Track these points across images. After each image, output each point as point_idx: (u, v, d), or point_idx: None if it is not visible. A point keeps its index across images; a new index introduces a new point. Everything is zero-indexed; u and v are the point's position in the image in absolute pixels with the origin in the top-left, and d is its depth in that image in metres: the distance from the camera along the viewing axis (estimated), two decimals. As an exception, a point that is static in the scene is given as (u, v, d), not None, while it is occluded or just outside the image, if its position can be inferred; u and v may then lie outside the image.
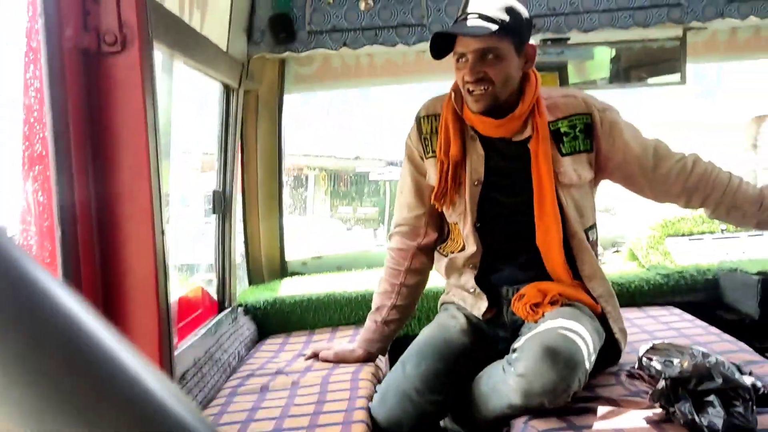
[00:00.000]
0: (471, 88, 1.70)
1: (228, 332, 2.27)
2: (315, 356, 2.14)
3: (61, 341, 0.25)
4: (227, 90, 2.32)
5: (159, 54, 1.76)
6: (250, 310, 2.56)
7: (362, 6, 2.44)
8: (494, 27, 1.63)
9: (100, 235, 1.16)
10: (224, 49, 2.20)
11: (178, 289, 2.09)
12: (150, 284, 1.21)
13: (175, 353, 1.79)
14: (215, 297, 2.36)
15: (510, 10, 1.68)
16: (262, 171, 2.93)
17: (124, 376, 0.26)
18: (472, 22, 1.64)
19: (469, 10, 1.66)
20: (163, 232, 1.22)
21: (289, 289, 2.73)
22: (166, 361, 1.24)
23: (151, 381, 0.27)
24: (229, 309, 2.37)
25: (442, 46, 1.70)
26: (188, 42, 1.83)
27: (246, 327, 2.44)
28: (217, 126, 2.33)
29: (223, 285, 2.35)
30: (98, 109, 1.18)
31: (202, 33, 1.96)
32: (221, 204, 2.32)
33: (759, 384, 1.62)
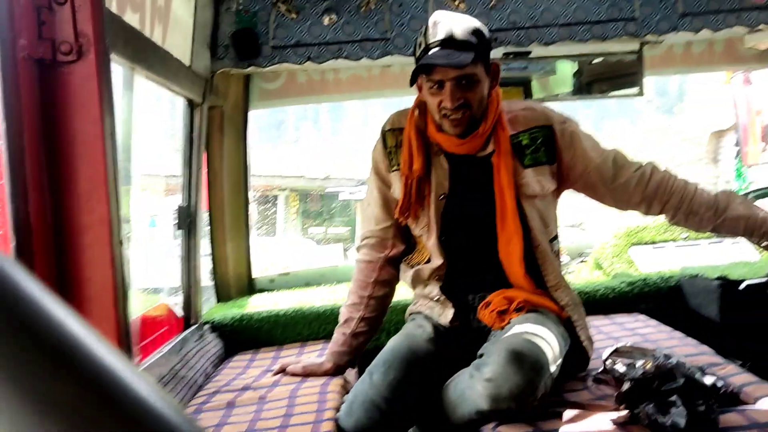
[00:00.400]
0: (449, 114, 1.72)
1: (194, 349, 2.23)
2: (283, 371, 2.12)
3: (51, 347, 0.25)
4: (191, 105, 2.30)
5: (119, 68, 1.75)
6: (218, 327, 2.52)
7: (326, 21, 2.47)
8: (471, 55, 1.66)
9: (56, 245, 1.14)
10: (187, 64, 2.19)
11: (142, 306, 2.05)
12: (108, 297, 1.19)
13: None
14: (181, 314, 2.32)
15: (478, 33, 1.71)
16: (228, 187, 2.92)
17: (114, 380, 0.26)
18: (446, 51, 1.66)
19: (440, 36, 1.67)
20: (121, 243, 1.20)
21: (256, 305, 2.71)
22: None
23: (142, 385, 0.27)
24: (196, 326, 2.33)
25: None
26: (149, 55, 1.82)
27: (213, 344, 2.40)
28: (181, 141, 2.31)
29: (188, 301, 2.32)
30: (54, 119, 1.16)
31: (163, 47, 1.96)
32: (187, 220, 2.29)
33: (720, 384, 1.65)
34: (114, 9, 1.62)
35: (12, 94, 1.10)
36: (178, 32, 2.13)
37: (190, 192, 2.30)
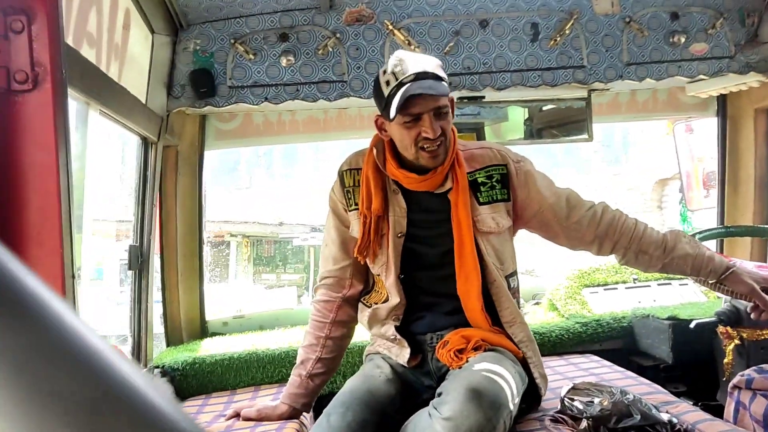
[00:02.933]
0: (427, 146, 1.73)
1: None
2: (237, 416, 2.04)
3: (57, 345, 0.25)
4: (146, 143, 2.27)
5: (73, 103, 1.72)
6: (168, 372, 2.43)
7: (284, 62, 2.49)
8: (445, 86, 1.70)
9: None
10: (143, 102, 2.17)
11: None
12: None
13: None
14: (129, 358, 2.23)
15: (442, 68, 1.75)
16: (182, 228, 2.86)
17: (121, 382, 0.26)
18: (424, 83, 1.68)
19: (411, 70, 1.69)
20: (73, 276, 1.15)
21: (209, 348, 2.63)
22: None
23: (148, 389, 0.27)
24: (145, 370, 2.24)
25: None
26: (105, 91, 1.79)
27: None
28: (134, 179, 2.27)
29: (138, 345, 2.24)
30: (6, 148, 1.12)
31: (119, 83, 1.93)
32: (138, 260, 2.23)
33: (675, 420, 1.67)
34: (70, 42, 1.60)
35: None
36: (134, 69, 2.12)
37: (143, 232, 2.24)
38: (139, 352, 2.24)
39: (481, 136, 3.20)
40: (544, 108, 3.12)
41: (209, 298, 3.11)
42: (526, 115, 3.18)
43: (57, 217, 1.12)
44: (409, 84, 1.68)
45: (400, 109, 1.68)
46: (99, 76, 1.75)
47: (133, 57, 2.10)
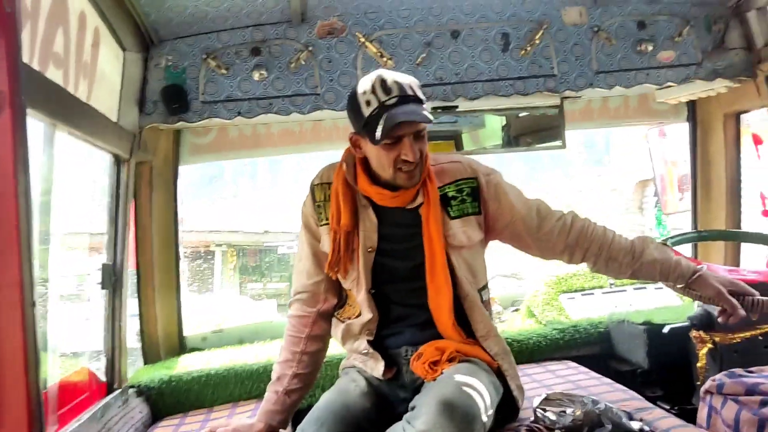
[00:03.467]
0: (406, 168, 1.73)
1: (117, 416, 2.12)
2: (212, 434, 2.03)
3: None
4: (118, 161, 2.26)
5: (39, 124, 1.71)
6: (144, 391, 2.41)
7: (256, 76, 2.49)
8: (426, 109, 1.71)
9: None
10: (114, 120, 2.16)
11: (59, 371, 1.94)
12: (18, 363, 1.12)
13: (54, 441, 1.66)
14: (104, 379, 2.21)
15: (419, 88, 1.75)
16: (158, 244, 2.85)
17: None
18: (408, 107, 1.67)
19: (394, 92, 1.68)
20: (33, 304, 1.14)
21: (186, 365, 2.61)
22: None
23: None
24: (119, 391, 2.22)
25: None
26: (72, 112, 1.78)
27: (138, 409, 2.29)
28: (107, 197, 2.25)
29: (112, 365, 2.22)
30: (-38, 176, 1.11)
31: (88, 103, 1.92)
32: (111, 278, 2.21)
33: (646, 428, 1.69)
34: (35, 65, 1.59)
35: None
36: (104, 88, 2.11)
37: (116, 249, 2.23)
38: (113, 371, 2.22)
39: (458, 144, 3.22)
40: (521, 114, 3.14)
41: (193, 310, 3.10)
42: (504, 122, 3.20)
43: (16, 245, 1.11)
44: (393, 108, 1.67)
45: (386, 133, 1.68)
46: (65, 97, 1.74)
47: (104, 75, 2.09)
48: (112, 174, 2.26)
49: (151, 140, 2.71)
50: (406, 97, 1.69)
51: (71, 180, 2.20)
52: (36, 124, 1.68)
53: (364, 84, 1.72)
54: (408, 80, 1.73)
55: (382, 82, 1.70)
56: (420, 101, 1.71)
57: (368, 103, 1.70)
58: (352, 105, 1.75)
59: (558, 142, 3.05)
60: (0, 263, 1.10)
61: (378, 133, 1.67)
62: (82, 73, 1.90)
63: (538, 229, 1.91)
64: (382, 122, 1.66)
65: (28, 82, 1.45)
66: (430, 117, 1.70)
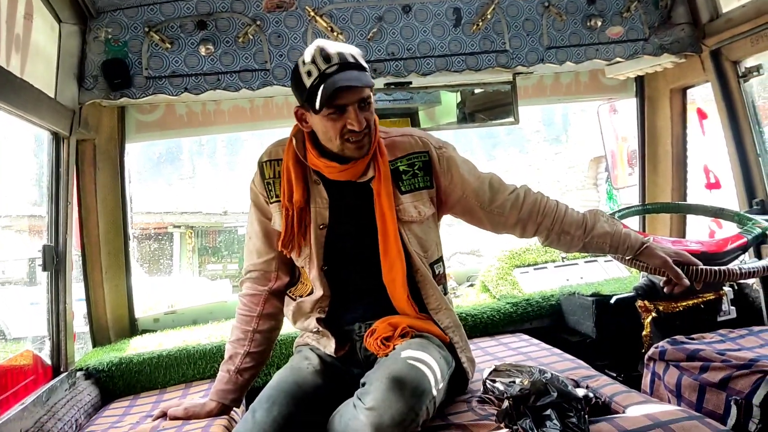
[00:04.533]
0: (353, 138, 1.71)
1: (64, 399, 2.07)
2: (164, 415, 2.00)
3: None
4: (57, 138, 2.17)
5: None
6: (92, 374, 2.36)
7: (203, 51, 2.42)
8: (369, 76, 1.68)
9: None
10: (51, 95, 2.08)
11: (3, 355, 1.88)
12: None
13: (-6, 427, 1.61)
14: (49, 362, 2.15)
15: (361, 57, 1.72)
16: (104, 225, 2.77)
17: None
18: (348, 74, 1.65)
19: (334, 60, 1.66)
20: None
21: (137, 347, 2.56)
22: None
23: None
24: (66, 374, 2.17)
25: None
26: (3, 87, 1.70)
27: (87, 392, 2.24)
28: (45, 177, 2.17)
29: (57, 348, 2.15)
30: None
31: (22, 77, 1.84)
32: (53, 260, 2.14)
33: (591, 395, 1.73)
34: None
35: None
36: (40, 62, 2.02)
37: (57, 230, 2.16)
38: (59, 355, 2.16)
39: (415, 122, 3.21)
40: (476, 91, 3.15)
41: (150, 293, 3.04)
42: (459, 99, 3.20)
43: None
44: (333, 76, 1.64)
45: (326, 102, 1.66)
46: (-4, 71, 1.66)
47: (38, 49, 2.00)
48: (51, 152, 2.17)
49: (93, 117, 2.62)
50: (347, 65, 1.66)
51: (8, 159, 2.12)
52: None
53: (305, 55, 1.70)
54: (350, 49, 1.71)
55: (322, 50, 1.67)
56: (362, 68, 1.69)
57: (309, 73, 1.68)
58: (295, 78, 1.73)
59: (511, 118, 3.08)
60: None
61: (318, 102, 1.64)
62: (14, 46, 1.82)
63: (490, 202, 1.92)
64: (321, 90, 1.64)
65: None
66: (371, 81, 1.68)
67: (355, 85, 1.65)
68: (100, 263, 2.77)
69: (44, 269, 2.13)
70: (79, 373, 2.30)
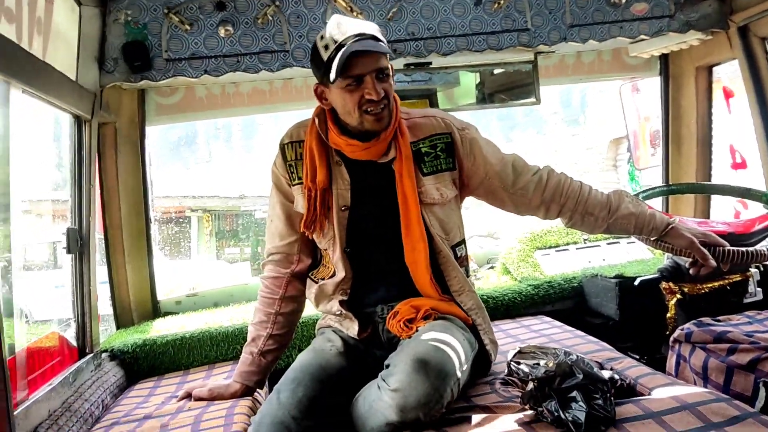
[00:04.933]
0: (371, 108, 1.69)
1: (90, 380, 2.10)
2: (189, 396, 2.03)
3: None
4: (79, 121, 2.18)
5: (-7, 82, 1.64)
6: (117, 355, 2.39)
7: (222, 32, 2.40)
8: (386, 46, 1.67)
9: None
10: (73, 78, 2.08)
11: (28, 338, 1.90)
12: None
13: (24, 406, 1.63)
14: (74, 344, 2.18)
15: (380, 32, 1.71)
16: (126, 208, 2.79)
17: None
18: (364, 42, 1.64)
19: (351, 32, 1.65)
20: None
21: (161, 329, 2.59)
22: (2, 419, 1.11)
23: None
24: (91, 355, 2.19)
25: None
26: (27, 69, 1.70)
27: (112, 373, 2.27)
28: (68, 160, 2.18)
29: (83, 330, 2.18)
30: None
31: (44, 60, 1.84)
32: (77, 243, 2.16)
33: (616, 377, 1.71)
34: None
35: None
36: (61, 45, 2.02)
37: (81, 213, 2.17)
38: (84, 337, 2.19)
39: (433, 103, 3.18)
40: (495, 72, 3.11)
41: (170, 275, 3.07)
42: (478, 80, 3.16)
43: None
44: (348, 45, 1.64)
45: (341, 71, 1.64)
46: (19, 53, 1.66)
47: (59, 31, 2.00)
48: (73, 135, 2.18)
49: (114, 101, 2.62)
50: (363, 35, 1.66)
51: (31, 143, 2.12)
52: (-11, 83, 1.61)
53: (323, 31, 1.70)
54: (367, 23, 1.70)
55: (339, 24, 1.67)
56: (379, 39, 1.68)
57: (326, 47, 1.68)
58: (313, 54, 1.73)
59: (532, 99, 3.04)
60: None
61: (333, 71, 1.63)
62: (36, 29, 1.82)
63: (513, 184, 1.90)
64: (337, 58, 1.63)
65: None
66: (387, 49, 1.67)
67: (369, 50, 1.64)
68: (123, 246, 2.79)
69: (68, 252, 2.15)
70: (104, 355, 2.33)
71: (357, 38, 1.65)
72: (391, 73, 1.73)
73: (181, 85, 2.82)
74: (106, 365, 2.29)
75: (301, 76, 2.92)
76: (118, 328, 2.78)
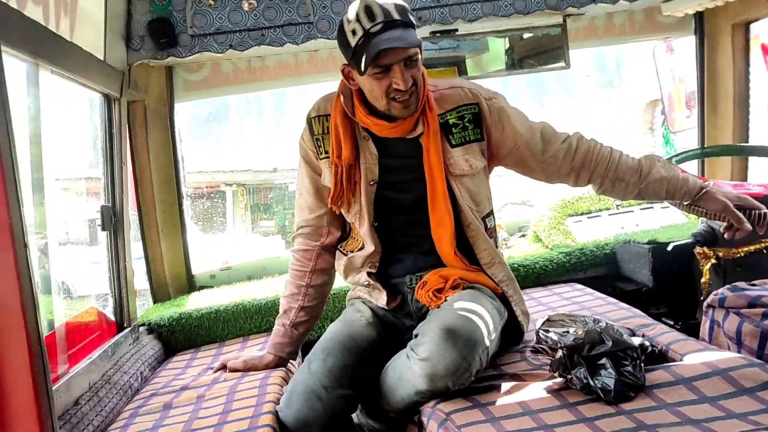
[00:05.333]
0: (399, 96, 1.68)
1: (128, 353, 2.17)
2: (224, 368, 2.08)
3: None
4: (108, 100, 2.21)
5: (21, 63, 1.67)
6: (154, 329, 2.46)
7: (245, 6, 2.40)
8: (416, 33, 1.65)
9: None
10: (101, 57, 2.10)
11: (67, 313, 1.97)
12: (15, 304, 1.12)
13: (65, 379, 1.69)
14: (113, 319, 2.25)
15: (408, 11, 1.68)
16: (158, 184, 2.83)
17: None
18: (393, 33, 1.61)
19: (378, 18, 1.62)
20: (25, 246, 1.14)
21: (196, 303, 2.65)
22: (41, 393, 1.15)
23: None
24: (129, 329, 2.26)
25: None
26: (55, 50, 1.73)
27: (150, 346, 2.34)
28: (99, 139, 2.22)
29: (120, 305, 2.24)
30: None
31: (72, 40, 1.87)
32: (111, 220, 2.21)
33: (647, 344, 1.70)
34: (13, 3, 1.54)
35: None
36: (87, 24, 2.04)
37: (114, 191, 2.22)
38: (122, 311, 2.25)
39: (462, 70, 3.13)
40: (525, 36, 3.04)
41: (204, 250, 3.12)
42: (507, 45, 3.10)
43: (2, 188, 1.09)
44: (377, 35, 1.61)
45: (370, 63, 1.63)
46: (46, 35, 1.68)
47: (85, 11, 2.02)
48: (103, 114, 2.22)
49: (142, 78, 2.65)
50: (392, 23, 1.63)
51: (64, 123, 2.17)
52: (18, 65, 1.64)
53: (350, 12, 1.66)
54: (395, 4, 1.66)
55: (366, 8, 1.63)
56: (408, 25, 1.65)
57: (354, 32, 1.65)
58: (340, 36, 1.70)
59: (562, 63, 2.97)
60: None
61: (362, 63, 1.62)
62: (63, 10, 1.84)
63: (542, 152, 1.87)
64: (366, 51, 1.61)
65: (5, 21, 1.40)
66: (417, 40, 1.64)
67: (396, 46, 1.61)
68: (156, 222, 2.84)
69: (103, 229, 2.20)
70: (141, 328, 2.40)
71: (385, 26, 1.62)
72: (419, 56, 1.70)
73: (207, 60, 2.83)
74: (143, 338, 2.35)
75: (326, 48, 2.90)
76: (154, 302, 2.85)
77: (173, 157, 2.87)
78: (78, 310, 2.05)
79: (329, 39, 2.46)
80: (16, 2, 1.57)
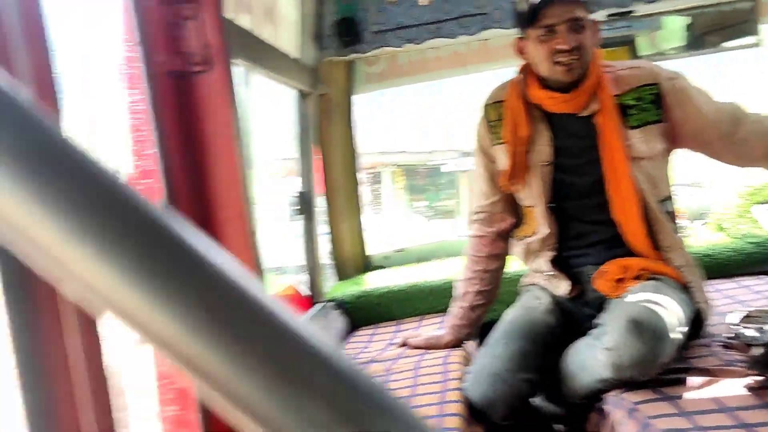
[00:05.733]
0: (563, 59, 1.71)
1: (321, 326, 2.38)
2: (405, 344, 2.21)
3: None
4: (302, 95, 2.42)
5: (238, 69, 1.89)
6: (341, 305, 2.65)
7: (423, 1, 2.50)
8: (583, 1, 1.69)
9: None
10: (297, 57, 2.31)
11: (273, 287, 2.21)
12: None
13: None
14: (306, 293, 2.47)
15: None
16: (340, 170, 3.03)
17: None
18: None
19: None
20: (253, 233, 1.32)
21: (374, 281, 2.81)
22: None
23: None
24: (321, 305, 2.47)
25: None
26: (263, 55, 1.94)
27: (338, 320, 2.54)
28: (295, 131, 2.44)
29: (313, 281, 2.46)
30: (191, 124, 1.29)
31: (275, 45, 2.08)
32: (306, 204, 2.43)
33: None
34: (231, 16, 1.75)
35: (157, 102, 1.23)
36: (286, 28, 2.25)
37: (308, 178, 2.43)
38: (314, 288, 2.47)
39: (633, 49, 3.00)
40: (706, 10, 2.85)
41: (370, 230, 3.30)
42: (686, 21, 2.92)
43: (238, 183, 1.27)
44: None
45: (533, 20, 1.68)
46: (257, 42, 1.89)
47: (284, 16, 2.23)
48: (298, 109, 2.43)
49: (327, 73, 2.84)
50: None
51: (266, 116, 2.41)
52: (236, 70, 1.86)
53: None
54: None
55: None
56: None
57: (524, 2, 1.71)
58: (515, 15, 1.77)
59: (752, 39, 2.74)
60: (227, 200, 1.28)
61: (527, 20, 1.69)
62: (267, 18, 2.05)
63: (730, 134, 1.78)
64: (531, 10, 1.68)
65: (228, 33, 1.60)
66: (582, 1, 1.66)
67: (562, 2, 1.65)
68: (338, 205, 3.05)
69: (300, 213, 2.43)
70: (330, 304, 2.61)
71: None
72: (587, 25, 1.71)
73: (384, 54, 2.97)
74: (331, 313, 2.56)
75: (498, 37, 2.92)
76: (338, 279, 3.07)
77: (351, 146, 3.05)
78: (278, 284, 2.29)
79: (502, 28, 2.48)
80: (231, 13, 1.78)
